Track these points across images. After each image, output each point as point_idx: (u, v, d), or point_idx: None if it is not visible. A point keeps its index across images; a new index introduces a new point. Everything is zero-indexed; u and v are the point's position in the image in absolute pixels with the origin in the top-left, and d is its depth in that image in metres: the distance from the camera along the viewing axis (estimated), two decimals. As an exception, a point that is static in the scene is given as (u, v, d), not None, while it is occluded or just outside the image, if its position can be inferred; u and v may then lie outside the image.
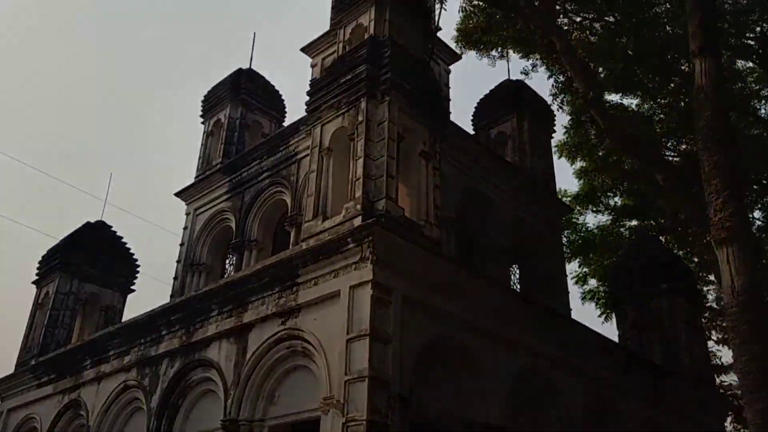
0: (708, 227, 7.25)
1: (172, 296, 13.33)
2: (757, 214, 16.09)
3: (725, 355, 18.78)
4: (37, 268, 13.70)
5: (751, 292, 6.42)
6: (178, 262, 13.96)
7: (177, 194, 14.63)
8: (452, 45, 14.28)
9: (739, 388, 7.82)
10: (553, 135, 15.15)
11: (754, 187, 14.72)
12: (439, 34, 11.93)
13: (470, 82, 17.77)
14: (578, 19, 13.11)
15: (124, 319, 12.91)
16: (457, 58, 14.97)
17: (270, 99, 15.58)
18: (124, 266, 13.97)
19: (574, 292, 19.67)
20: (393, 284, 7.14)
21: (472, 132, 13.72)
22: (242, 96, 14.87)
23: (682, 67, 12.82)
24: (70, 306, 12.83)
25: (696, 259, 17.79)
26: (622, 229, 20.85)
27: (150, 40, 47.61)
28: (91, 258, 13.34)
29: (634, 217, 19.77)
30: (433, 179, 8.50)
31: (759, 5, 12.21)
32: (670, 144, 15.93)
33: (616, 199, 20.31)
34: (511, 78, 14.90)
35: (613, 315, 18.52)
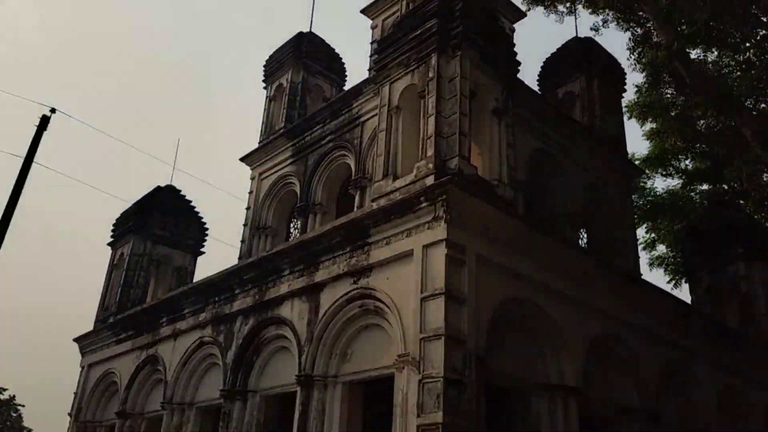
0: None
1: (239, 258, 13.62)
2: None
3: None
4: (112, 231, 14.24)
5: None
6: (245, 225, 14.23)
7: (242, 159, 14.85)
8: (517, 1, 13.85)
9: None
10: (624, 95, 14.58)
11: None
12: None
13: (534, 41, 17.23)
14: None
15: (195, 280, 13.31)
16: (521, 15, 14.51)
17: (330, 62, 15.52)
18: (194, 229, 14.35)
19: (642, 258, 19.16)
20: (467, 243, 7.04)
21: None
22: (303, 60, 14.86)
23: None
24: (144, 267, 13.30)
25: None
26: (692, 194, 20.09)
27: (210, 7, 48.10)
28: (162, 221, 13.76)
29: (706, 180, 18.98)
30: (506, 137, 8.30)
31: None
32: (748, 102, 15.10)
33: (687, 162, 19.53)
34: (579, 36, 14.37)
35: (684, 281, 18.00)
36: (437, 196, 6.98)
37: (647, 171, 17.92)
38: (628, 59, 13.36)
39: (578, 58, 13.64)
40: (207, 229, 14.72)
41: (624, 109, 15.12)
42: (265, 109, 15.17)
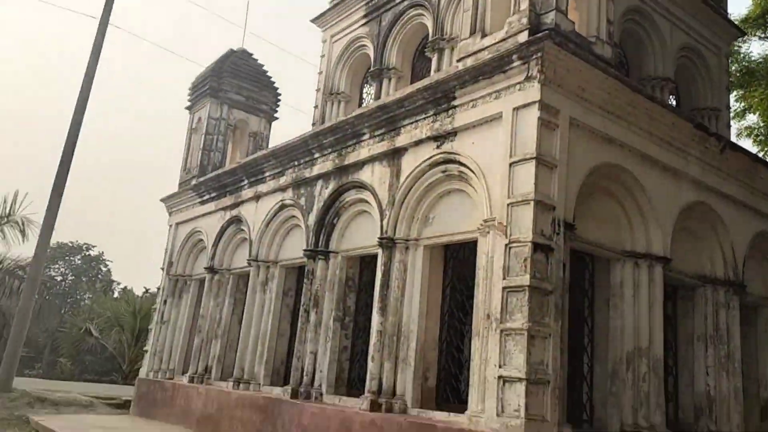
0: None
1: (313, 125, 13.63)
2: None
3: None
4: (189, 94, 14.39)
5: None
6: (317, 90, 14.08)
7: (313, 21, 14.40)
8: None
9: None
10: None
11: None
12: None
13: None
14: None
15: (270, 146, 13.49)
16: None
17: None
18: (267, 94, 14.34)
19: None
20: (560, 106, 6.70)
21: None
22: None
23: None
24: (221, 131, 13.53)
25: None
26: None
27: None
28: (236, 85, 13.80)
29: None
30: (606, -11, 7.61)
31: None
32: None
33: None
34: None
35: (775, 152, 17.03)
36: (531, 54, 6.56)
37: (747, 32, 16.38)
38: None
39: None
40: (280, 94, 14.68)
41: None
42: (336, -35, 14.41)
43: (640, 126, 7.54)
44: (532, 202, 6.33)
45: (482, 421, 6.17)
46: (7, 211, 18.04)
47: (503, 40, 7.14)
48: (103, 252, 51.91)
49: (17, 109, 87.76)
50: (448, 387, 7.85)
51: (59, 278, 49.30)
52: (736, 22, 16.41)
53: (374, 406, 7.49)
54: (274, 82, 14.56)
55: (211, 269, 11.97)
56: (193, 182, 13.16)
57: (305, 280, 9.38)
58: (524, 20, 6.94)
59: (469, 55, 7.51)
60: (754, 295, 9.21)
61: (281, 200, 10.39)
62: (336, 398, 8.50)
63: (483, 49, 7.34)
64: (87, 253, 50.93)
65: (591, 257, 7.82)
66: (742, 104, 18.17)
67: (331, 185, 9.35)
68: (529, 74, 6.63)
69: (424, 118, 7.89)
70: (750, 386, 9.26)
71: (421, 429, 6.67)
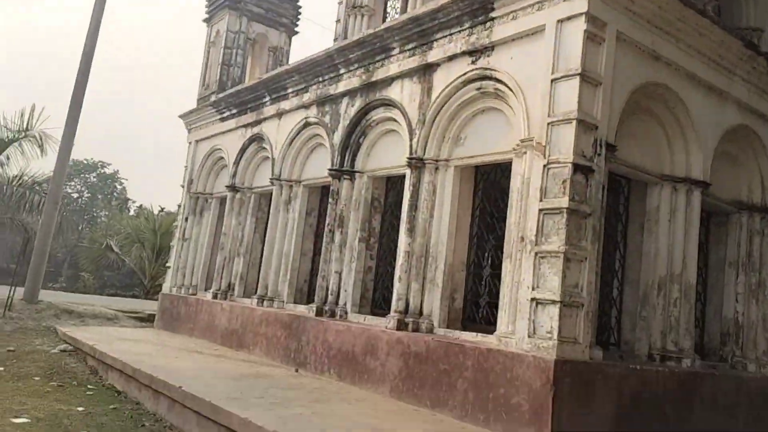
0: None
1: (335, 39, 13.14)
2: None
3: None
4: (206, 6, 13.88)
5: None
6: (340, 3, 13.49)
7: (335, -73, 13.63)
8: None
9: None
10: None
11: None
12: None
13: None
14: None
15: (290, 62, 13.08)
16: None
17: None
18: (288, 6, 13.83)
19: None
20: (607, 18, 6.30)
21: None
22: None
23: None
24: (241, 45, 13.10)
25: None
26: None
27: None
28: (255, -5, 13.24)
29: None
30: None
31: None
32: None
33: None
34: None
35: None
36: (579, -38, 6.11)
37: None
38: None
39: None
40: (300, 6, 14.12)
41: None
42: None
43: (688, 43, 7.13)
44: (574, 121, 6.06)
45: (512, 342, 6.16)
46: (25, 125, 17.91)
47: (548, -55, 6.63)
48: (118, 170, 52.13)
49: (34, 21, 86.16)
50: (475, 308, 7.85)
51: (75, 195, 49.79)
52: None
53: (401, 325, 7.52)
54: (294, -6, 13.98)
55: (232, 187, 11.88)
56: (212, 98, 12.86)
57: (330, 200, 9.26)
58: (573, -77, 6.41)
59: (510, -37, 7.02)
60: (788, 223, 8.99)
61: (305, 118, 10.13)
62: (360, 317, 8.55)
63: (526, -44, 6.85)
64: (102, 171, 51.19)
65: (627, 180, 7.59)
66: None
67: (358, 103, 9.06)
68: (577, -17, 6.19)
69: (459, 32, 7.50)
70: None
71: (449, 348, 6.69)
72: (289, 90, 10.48)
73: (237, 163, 11.86)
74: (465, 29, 7.42)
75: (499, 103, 7.16)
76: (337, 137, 9.31)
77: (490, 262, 7.86)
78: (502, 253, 6.77)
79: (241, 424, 5.65)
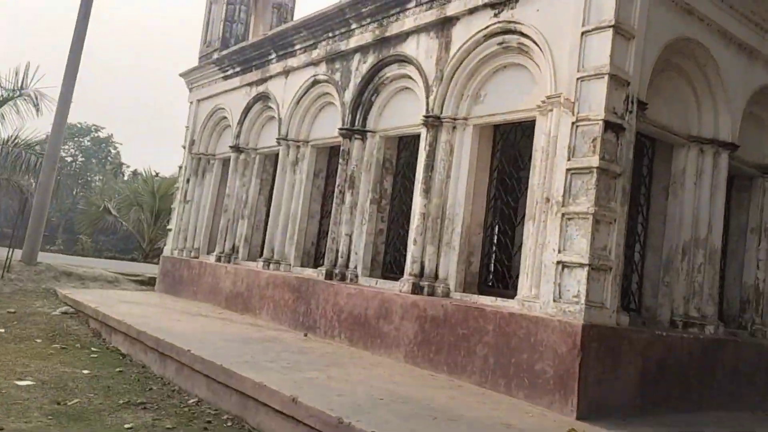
0: None
1: (341, -5, 12.67)
2: None
3: None
4: (208, -41, 13.32)
5: None
6: (346, -43, 12.96)
7: None
8: None
9: None
10: None
11: None
12: None
13: None
14: None
15: (295, 18, 12.63)
16: None
17: None
18: (292, -39, 13.25)
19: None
20: (642, -32, 5.96)
21: None
22: None
23: None
24: (244, 1, 12.62)
25: None
26: None
27: None
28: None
29: None
30: None
31: None
32: None
33: None
34: None
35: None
36: None
37: None
38: None
39: None
40: (305, -39, 13.56)
41: None
42: None
43: (723, -3, 6.80)
44: (606, 76, 5.76)
45: (537, 306, 5.95)
46: (20, 84, 17.41)
47: None
48: (112, 134, 51.47)
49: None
50: (492, 272, 7.64)
51: (69, 159, 49.20)
52: None
53: (416, 289, 7.31)
54: (299, -53, 13.44)
55: (236, 148, 11.55)
56: (215, 56, 12.44)
57: (341, 161, 8.96)
58: None
59: None
60: (810, 189, 8.76)
61: (314, 75, 9.77)
62: (372, 280, 8.34)
63: None
64: (96, 135, 50.52)
65: (651, 141, 7.32)
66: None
67: (370, 59, 8.70)
68: (612, -71, 5.82)
69: (481, -17, 7.12)
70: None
71: (468, 312, 6.49)
72: (297, 46, 10.09)
73: (241, 123, 11.51)
74: (488, -20, 7.04)
75: (522, 58, 6.84)
76: (348, 95, 8.97)
77: (509, 225, 7.63)
78: (518, 216, 6.52)
79: (255, 388, 5.46)
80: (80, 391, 6.01)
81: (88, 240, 28.73)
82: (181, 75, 13.56)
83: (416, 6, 7.98)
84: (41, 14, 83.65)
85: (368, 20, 8.69)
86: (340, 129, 8.98)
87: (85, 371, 6.87)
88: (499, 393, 5.96)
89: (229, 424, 5.50)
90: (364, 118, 8.80)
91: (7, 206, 26.33)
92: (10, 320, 9.47)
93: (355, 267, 8.64)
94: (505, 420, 5.04)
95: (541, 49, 6.44)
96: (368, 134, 8.78)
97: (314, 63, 9.75)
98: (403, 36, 8.18)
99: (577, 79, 5.98)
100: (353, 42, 8.97)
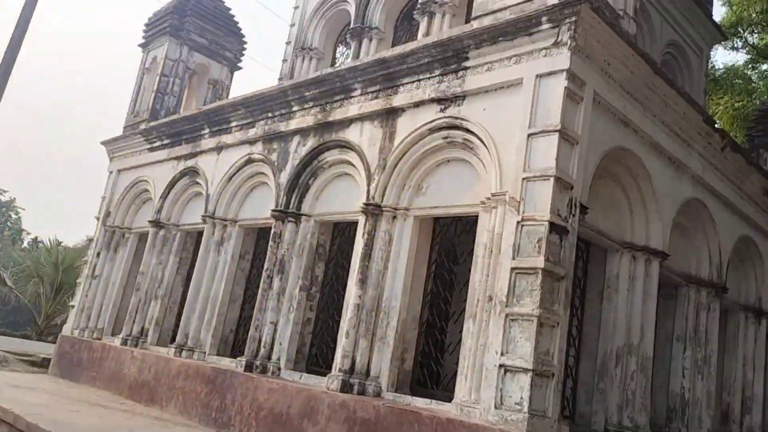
0: None
1: (280, 79, 12.67)
2: None
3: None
4: (144, 31, 13.07)
5: None
6: (288, 43, 13.11)
7: (288, -33, 13.36)
8: None
9: None
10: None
11: None
12: None
13: None
14: None
15: (230, 96, 12.44)
16: None
17: None
18: (232, 40, 13.23)
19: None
20: (586, 78, 6.17)
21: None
22: None
23: None
24: (179, 74, 12.34)
25: None
26: (751, 72, 18.99)
27: None
28: (200, 26, 12.63)
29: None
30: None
31: None
32: None
33: (757, 36, 18.20)
34: None
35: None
36: (564, 18, 5.97)
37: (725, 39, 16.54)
38: None
39: None
40: (246, 42, 13.58)
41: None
42: None
43: (654, 112, 7.15)
44: (551, 179, 5.78)
45: (476, 413, 5.62)
46: None
47: (528, 0, 6.50)
48: (15, 198, 48.38)
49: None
50: (426, 371, 7.29)
51: (-37, 221, 45.61)
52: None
53: (345, 387, 6.82)
54: (240, 29, 13.44)
55: (156, 223, 10.89)
56: (142, 126, 11.94)
57: (271, 243, 8.54)
58: (557, -20, 6.32)
59: (488, 14, 6.84)
60: (727, 299, 9.10)
61: (249, 154, 9.45)
62: (296, 374, 7.77)
63: (504, 9, 6.68)
64: (-3, 198, 47.31)
65: (587, 244, 7.38)
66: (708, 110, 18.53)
67: (310, 142, 8.52)
68: (559, 39, 6.04)
69: (429, 78, 7.19)
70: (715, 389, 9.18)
71: (403, 416, 6.06)
72: (233, 123, 9.81)
73: (164, 197, 10.92)
74: (435, 76, 7.12)
75: (467, 154, 6.83)
76: (284, 177, 8.68)
77: (444, 321, 7.38)
78: (455, 312, 6.29)
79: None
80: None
81: (-25, 312, 26.13)
82: (102, 143, 12.90)
83: (362, 94, 7.95)
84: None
85: (311, 104, 8.58)
86: (273, 210, 8.61)
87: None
88: (434, 508, 5.48)
89: None
90: (300, 201, 8.50)
91: None
92: None
93: (278, 359, 8.06)
94: None
95: (486, 147, 6.45)
96: (303, 218, 8.46)
97: (250, 141, 9.47)
98: (347, 122, 8.09)
99: (523, 179, 5.97)
100: (294, 124, 8.80)
